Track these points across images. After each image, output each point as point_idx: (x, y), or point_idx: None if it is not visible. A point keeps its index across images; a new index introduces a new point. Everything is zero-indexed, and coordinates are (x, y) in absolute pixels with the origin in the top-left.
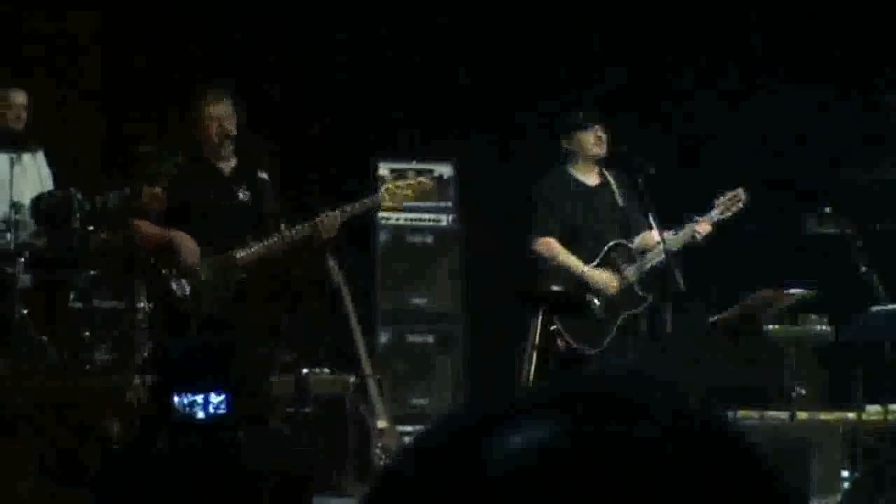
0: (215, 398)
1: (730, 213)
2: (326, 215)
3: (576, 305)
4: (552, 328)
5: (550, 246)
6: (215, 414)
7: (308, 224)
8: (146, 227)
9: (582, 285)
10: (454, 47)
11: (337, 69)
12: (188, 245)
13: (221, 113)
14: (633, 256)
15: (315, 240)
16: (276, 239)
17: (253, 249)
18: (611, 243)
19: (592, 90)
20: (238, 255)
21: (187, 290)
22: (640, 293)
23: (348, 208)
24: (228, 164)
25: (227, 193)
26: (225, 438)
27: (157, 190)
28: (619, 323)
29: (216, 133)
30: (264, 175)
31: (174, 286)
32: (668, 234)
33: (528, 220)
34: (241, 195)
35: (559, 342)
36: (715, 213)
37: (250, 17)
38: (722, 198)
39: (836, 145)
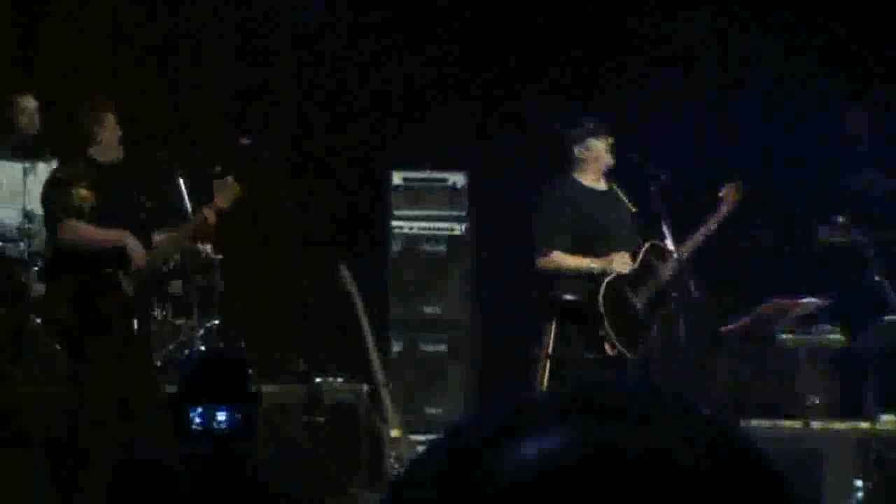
0: (227, 410)
1: (731, 207)
2: (207, 208)
3: (589, 314)
4: (601, 333)
5: (556, 258)
6: (228, 425)
7: (194, 219)
8: (86, 227)
9: (594, 294)
10: (467, 56)
11: (351, 79)
12: (137, 244)
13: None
14: (666, 256)
15: (201, 234)
16: (175, 235)
17: (162, 247)
18: (647, 244)
19: (603, 96)
20: (157, 253)
21: (131, 289)
22: (673, 293)
23: (209, 208)
24: (116, 164)
25: (124, 193)
26: (238, 450)
27: (85, 190)
28: (655, 325)
29: (119, 137)
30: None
31: (124, 285)
32: (686, 243)
33: (533, 234)
34: (128, 193)
35: (607, 347)
36: (723, 209)
37: (264, 25)
38: (722, 191)
39: (848, 153)
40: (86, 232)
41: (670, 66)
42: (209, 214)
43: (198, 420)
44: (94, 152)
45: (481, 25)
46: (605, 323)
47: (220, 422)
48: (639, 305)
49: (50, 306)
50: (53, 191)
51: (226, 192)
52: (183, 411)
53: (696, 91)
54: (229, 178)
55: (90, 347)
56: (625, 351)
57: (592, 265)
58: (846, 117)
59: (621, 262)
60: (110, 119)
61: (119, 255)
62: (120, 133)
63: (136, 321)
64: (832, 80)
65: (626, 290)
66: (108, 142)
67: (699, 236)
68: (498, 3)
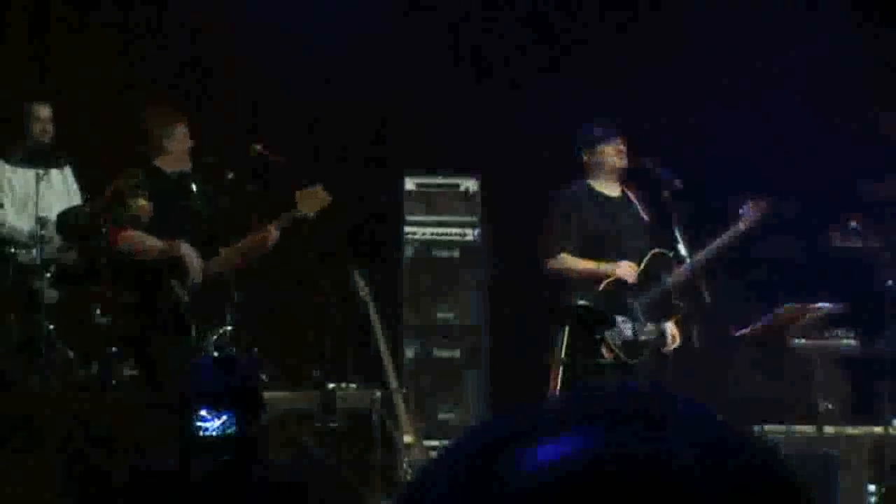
0: (230, 415)
1: (755, 221)
2: (271, 225)
3: (602, 320)
4: (598, 337)
5: (563, 261)
6: (230, 431)
7: (256, 236)
8: (140, 236)
9: (603, 297)
10: (478, 59)
11: (363, 83)
12: (194, 256)
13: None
14: (671, 266)
15: (261, 249)
16: (233, 249)
17: (220, 259)
18: (652, 252)
19: (619, 101)
20: (212, 266)
21: (186, 296)
22: (676, 302)
23: (281, 219)
24: (183, 174)
25: (189, 204)
26: (243, 455)
27: (143, 200)
28: (656, 333)
29: (189, 147)
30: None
31: (181, 296)
32: (701, 252)
33: (541, 236)
34: (193, 204)
35: (605, 352)
36: (747, 219)
37: (277, 32)
38: (747, 204)
39: (862, 157)
40: (139, 241)
41: (686, 68)
42: (272, 230)
43: (203, 425)
44: (160, 162)
45: (491, 27)
46: (604, 328)
47: (224, 426)
48: (637, 306)
49: (113, 311)
50: (110, 199)
51: (312, 200)
52: (188, 416)
53: (712, 94)
54: (318, 188)
55: (156, 350)
56: (623, 356)
57: (598, 269)
58: (882, 120)
59: (626, 271)
60: (180, 130)
61: (173, 264)
62: (191, 144)
63: (193, 327)
64: (849, 84)
65: (626, 297)
66: (176, 152)
67: (714, 247)
68: (509, 5)
